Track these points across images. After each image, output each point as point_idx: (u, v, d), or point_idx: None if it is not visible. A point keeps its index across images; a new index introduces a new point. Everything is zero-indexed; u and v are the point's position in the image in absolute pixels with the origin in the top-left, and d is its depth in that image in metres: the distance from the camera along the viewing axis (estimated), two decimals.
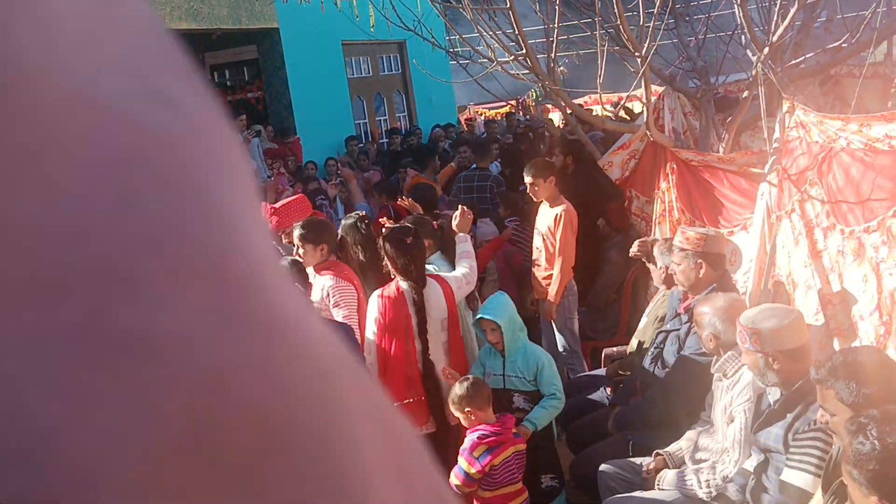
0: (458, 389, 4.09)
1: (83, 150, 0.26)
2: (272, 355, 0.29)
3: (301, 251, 4.80)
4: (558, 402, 4.41)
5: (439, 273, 4.74)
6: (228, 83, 14.95)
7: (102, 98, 0.27)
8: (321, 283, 4.79)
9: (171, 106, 0.30)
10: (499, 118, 16.79)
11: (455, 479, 4.08)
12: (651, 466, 4.04)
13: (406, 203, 6.26)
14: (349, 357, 0.36)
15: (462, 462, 4.07)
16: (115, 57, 0.29)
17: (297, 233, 4.85)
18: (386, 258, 4.53)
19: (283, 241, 5.26)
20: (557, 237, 5.98)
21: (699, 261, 4.31)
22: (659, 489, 3.91)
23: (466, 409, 4.08)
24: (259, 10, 12.27)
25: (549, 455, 4.57)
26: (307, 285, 4.12)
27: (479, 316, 4.43)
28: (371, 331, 4.48)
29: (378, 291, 4.53)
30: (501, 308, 4.39)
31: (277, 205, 5.24)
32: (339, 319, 4.68)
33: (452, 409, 4.18)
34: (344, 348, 0.36)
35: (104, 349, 0.25)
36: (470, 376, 4.25)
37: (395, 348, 4.44)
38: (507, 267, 7.10)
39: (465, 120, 17.20)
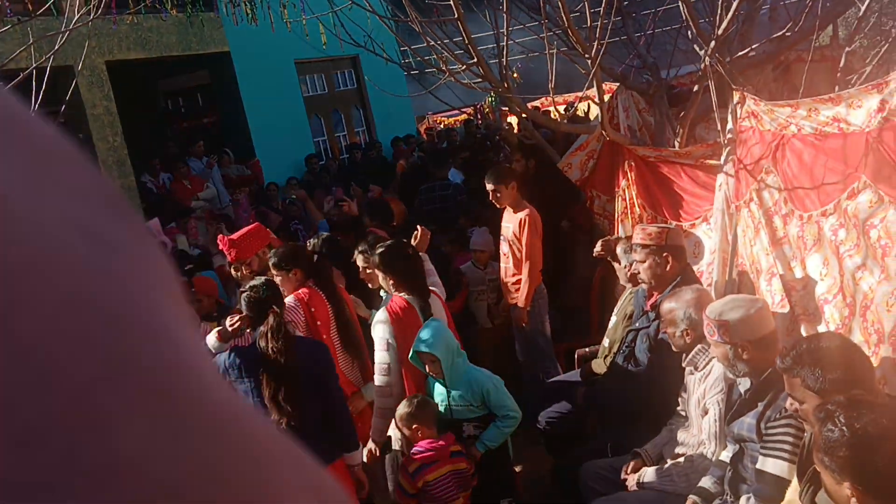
0: (405, 407, 4.15)
1: (39, 301, 0.30)
2: (219, 457, 0.33)
3: (278, 280, 4.78)
4: (512, 420, 4.32)
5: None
6: (183, 110, 14.84)
7: (50, 248, 0.31)
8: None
9: (110, 245, 0.34)
10: (458, 126, 16.82)
11: (394, 494, 4.24)
12: (630, 468, 4.05)
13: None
14: (284, 439, 0.41)
15: (399, 476, 4.20)
16: (56, 211, 0.33)
17: (271, 261, 4.87)
18: (385, 275, 4.52)
19: (244, 271, 5.16)
20: (523, 242, 5.99)
21: (665, 254, 4.33)
22: (640, 487, 3.92)
23: (413, 427, 4.13)
24: (208, 34, 12.19)
25: (506, 477, 4.55)
26: (282, 304, 4.10)
27: (415, 349, 4.26)
28: (385, 352, 4.37)
29: (382, 315, 4.45)
30: (436, 338, 4.24)
31: (234, 236, 5.16)
32: None
33: (399, 424, 4.20)
34: (278, 434, 0.41)
35: (76, 478, 0.28)
36: (418, 395, 4.28)
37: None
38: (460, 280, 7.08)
39: (425, 129, 17.21)
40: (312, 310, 4.76)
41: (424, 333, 4.24)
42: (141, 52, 11.17)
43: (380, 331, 4.42)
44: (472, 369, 4.40)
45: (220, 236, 5.29)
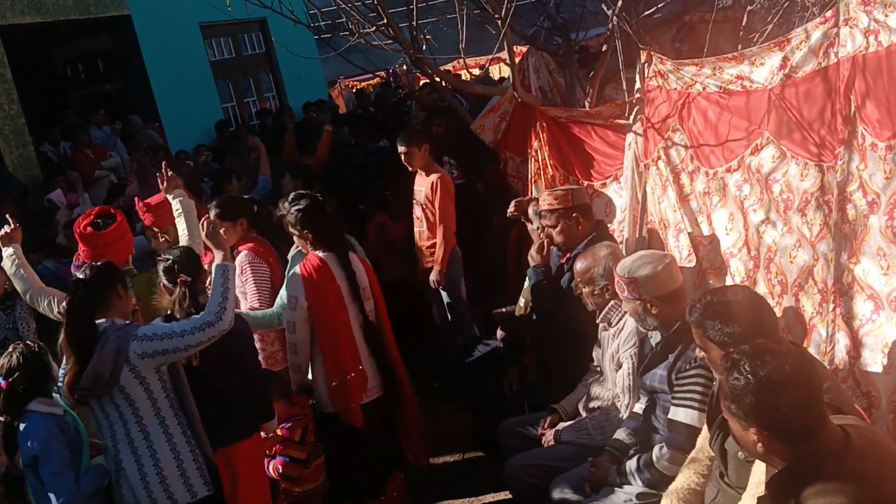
0: None
1: None
2: None
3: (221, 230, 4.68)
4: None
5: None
6: (83, 76, 14.27)
7: None
8: (237, 260, 4.82)
9: None
10: (370, 90, 16.63)
11: (284, 471, 4.33)
12: (546, 423, 4.12)
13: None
14: None
15: (284, 456, 4.32)
16: None
17: (212, 213, 4.87)
18: (303, 230, 4.43)
19: (160, 238, 5.05)
20: (436, 205, 5.99)
21: (574, 215, 4.39)
22: (557, 442, 4.00)
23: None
24: None
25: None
26: (201, 271, 3.98)
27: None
28: (292, 309, 4.33)
29: (295, 270, 4.41)
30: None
31: (151, 201, 5.01)
32: (250, 293, 4.81)
33: None
34: None
35: None
36: None
37: (332, 323, 4.35)
38: (382, 241, 7.08)
39: (337, 94, 16.97)
40: (270, 259, 4.88)
41: None
42: (36, 16, 10.66)
43: (291, 289, 4.37)
44: None
45: (136, 199, 5.12)
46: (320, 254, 4.43)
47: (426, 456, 5.05)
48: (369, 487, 4.52)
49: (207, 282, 3.97)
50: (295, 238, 4.58)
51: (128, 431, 3.41)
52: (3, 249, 4.59)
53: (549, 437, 4.02)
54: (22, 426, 3.42)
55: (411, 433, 4.83)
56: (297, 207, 4.46)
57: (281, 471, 4.30)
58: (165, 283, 3.98)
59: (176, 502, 3.44)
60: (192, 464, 3.50)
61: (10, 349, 3.53)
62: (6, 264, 4.58)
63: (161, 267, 3.98)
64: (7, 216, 4.83)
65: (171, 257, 3.95)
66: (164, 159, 10.91)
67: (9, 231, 4.60)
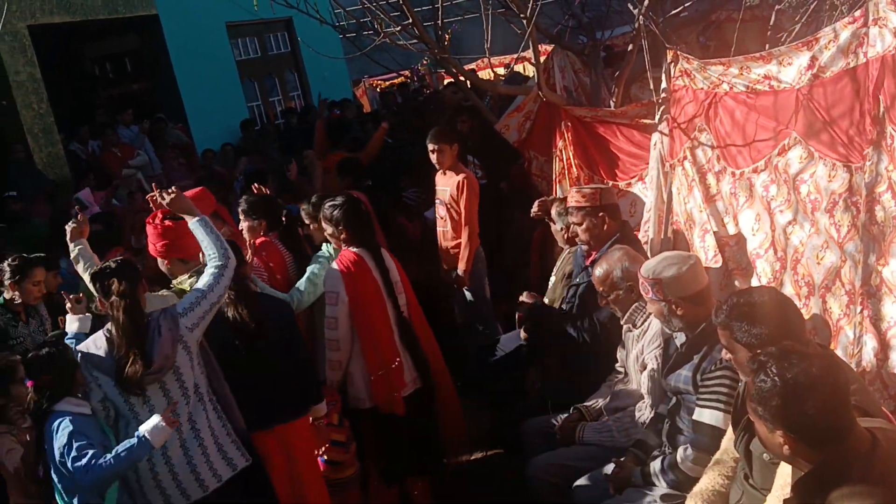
0: None
1: None
2: None
3: (244, 226, 5.06)
4: None
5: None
6: (111, 75, 14.41)
7: None
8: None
9: None
10: (395, 89, 16.64)
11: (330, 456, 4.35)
12: (566, 421, 4.11)
13: None
14: None
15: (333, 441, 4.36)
16: None
17: (241, 207, 5.13)
18: (338, 227, 4.50)
19: None
20: (462, 206, 5.98)
21: (601, 214, 4.38)
22: (581, 442, 3.99)
23: None
24: None
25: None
26: (245, 261, 4.11)
27: None
28: (333, 304, 4.39)
29: (332, 267, 4.48)
30: None
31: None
32: None
33: None
34: None
35: None
36: None
37: (372, 314, 4.42)
38: (400, 242, 7.06)
39: (362, 94, 16.99)
40: (263, 253, 4.97)
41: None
42: (65, 16, 10.77)
43: (329, 285, 4.42)
44: None
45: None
46: (354, 249, 4.49)
47: (464, 450, 5.15)
48: (398, 473, 4.62)
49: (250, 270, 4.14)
50: (328, 234, 4.64)
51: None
52: (70, 245, 4.61)
53: (570, 437, 4.02)
54: (50, 425, 3.45)
55: (452, 426, 4.94)
56: (332, 204, 4.54)
57: (326, 457, 4.34)
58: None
59: (220, 478, 3.49)
60: (227, 437, 3.56)
61: (38, 350, 3.57)
62: (74, 260, 4.62)
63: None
64: (77, 211, 4.88)
65: None
66: (189, 158, 11.06)
67: (76, 226, 4.57)
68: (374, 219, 4.99)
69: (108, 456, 3.30)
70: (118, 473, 3.34)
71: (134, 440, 3.30)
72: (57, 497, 3.53)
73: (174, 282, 4.23)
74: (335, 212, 4.50)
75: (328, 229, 4.57)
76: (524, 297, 4.86)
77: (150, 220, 4.39)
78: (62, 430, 3.38)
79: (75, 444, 3.31)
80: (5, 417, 3.77)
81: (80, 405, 3.51)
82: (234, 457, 3.55)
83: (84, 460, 3.28)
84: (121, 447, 3.31)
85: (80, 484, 3.32)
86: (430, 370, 4.66)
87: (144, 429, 3.30)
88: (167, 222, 4.35)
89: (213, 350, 3.78)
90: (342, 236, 4.51)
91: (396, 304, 4.52)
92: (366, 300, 4.39)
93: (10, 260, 5.11)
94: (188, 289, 3.98)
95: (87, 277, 4.42)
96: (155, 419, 3.31)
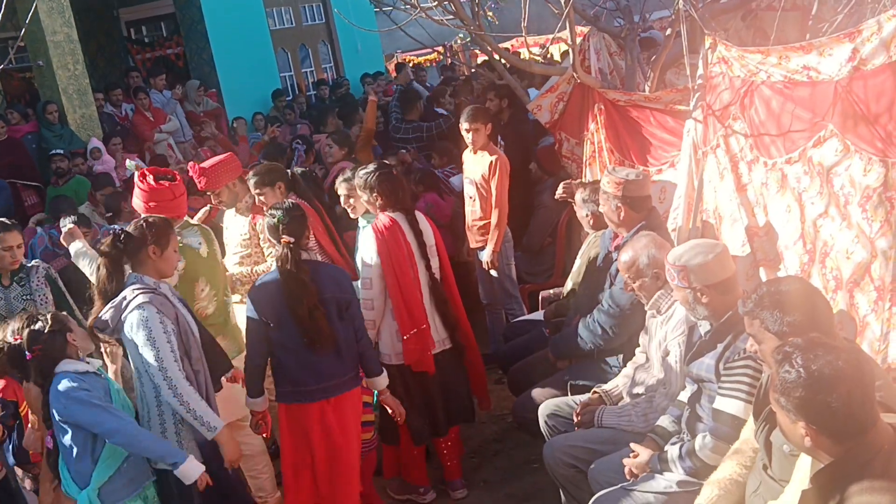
0: None
1: None
2: None
3: (261, 198, 5.04)
4: None
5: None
6: (146, 39, 14.47)
7: None
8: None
9: None
10: (427, 65, 16.60)
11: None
12: (587, 402, 4.13)
13: None
14: None
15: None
16: None
17: (252, 181, 5.07)
18: (372, 193, 4.63)
19: (214, 200, 5.15)
20: (493, 186, 5.97)
21: (618, 204, 4.34)
22: (600, 426, 4.00)
23: None
24: None
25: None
26: (305, 229, 4.14)
27: None
28: (368, 265, 4.57)
29: (367, 229, 4.63)
30: None
31: (206, 164, 5.09)
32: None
33: None
34: None
35: None
36: None
37: (403, 276, 4.57)
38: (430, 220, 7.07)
39: (395, 66, 16.97)
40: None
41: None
42: None
43: (364, 249, 4.60)
44: None
45: (191, 163, 5.23)
46: (389, 213, 4.62)
47: (489, 402, 5.29)
48: (427, 433, 4.78)
49: (311, 241, 4.22)
50: (364, 202, 4.76)
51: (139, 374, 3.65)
52: (71, 246, 4.74)
53: (589, 419, 4.04)
54: (54, 387, 3.51)
55: (478, 380, 5.08)
56: (364, 171, 4.68)
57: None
58: (269, 237, 4.20)
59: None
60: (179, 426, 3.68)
61: (28, 319, 3.61)
62: (75, 259, 4.74)
63: (266, 223, 4.17)
64: (69, 218, 4.95)
65: (277, 216, 4.07)
66: (221, 127, 11.10)
67: (68, 233, 4.77)
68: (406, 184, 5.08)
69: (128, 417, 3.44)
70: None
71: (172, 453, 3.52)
72: (61, 470, 3.61)
73: None
74: (369, 178, 4.63)
75: (364, 196, 4.71)
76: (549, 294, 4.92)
77: (142, 179, 4.52)
78: (62, 382, 3.49)
79: (75, 384, 3.46)
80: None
81: (80, 364, 3.58)
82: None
83: (87, 399, 3.44)
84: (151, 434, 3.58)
85: (76, 418, 3.44)
86: (459, 331, 4.82)
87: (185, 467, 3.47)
88: (161, 182, 4.50)
89: (272, 320, 3.93)
90: (378, 202, 4.64)
91: (429, 266, 4.69)
92: (398, 262, 4.55)
93: None
94: None
95: (88, 270, 4.57)
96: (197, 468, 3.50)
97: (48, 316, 3.64)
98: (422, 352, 4.60)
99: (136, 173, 4.74)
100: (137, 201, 4.61)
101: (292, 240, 3.98)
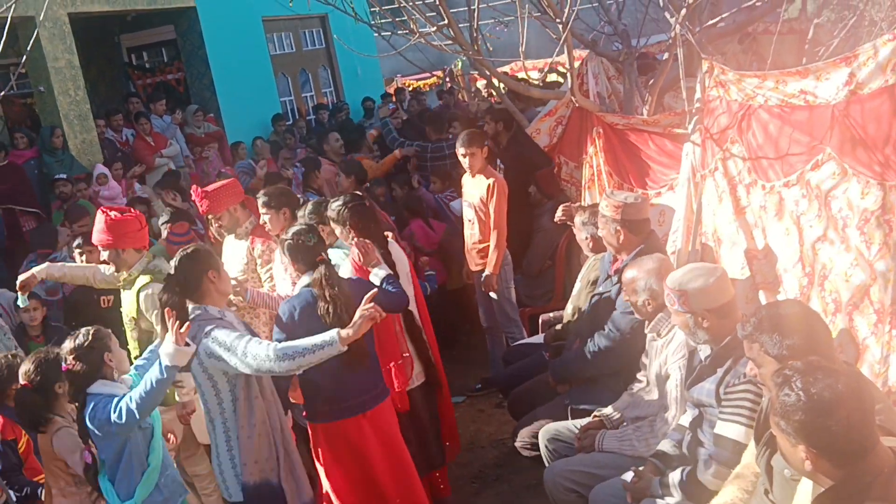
0: None
1: None
2: None
3: (266, 219, 5.04)
4: None
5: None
6: (147, 65, 14.54)
7: None
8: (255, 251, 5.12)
9: None
10: (427, 89, 16.69)
11: None
12: (587, 427, 4.11)
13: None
14: None
15: None
16: None
17: (260, 201, 5.07)
18: (345, 226, 4.56)
19: (214, 224, 5.16)
20: (491, 209, 5.98)
21: (617, 227, 4.35)
22: (600, 450, 3.98)
23: None
24: None
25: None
26: (324, 246, 4.13)
27: None
28: None
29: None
30: None
31: (209, 188, 5.12)
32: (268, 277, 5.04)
33: None
34: None
35: None
36: None
37: None
38: (415, 249, 7.08)
39: (394, 91, 17.05)
40: None
41: None
42: (104, 5, 10.89)
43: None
44: None
45: (193, 187, 5.24)
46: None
47: (459, 442, 5.22)
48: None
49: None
50: (338, 234, 4.68)
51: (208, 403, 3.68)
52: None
53: (590, 443, 4.02)
54: (89, 409, 3.51)
55: (447, 417, 5.03)
56: (338, 203, 4.62)
57: None
58: (297, 260, 4.07)
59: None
60: (231, 471, 3.68)
61: (73, 339, 3.62)
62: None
63: (285, 243, 4.09)
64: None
65: (306, 238, 4.03)
66: (221, 150, 11.15)
67: (24, 280, 4.80)
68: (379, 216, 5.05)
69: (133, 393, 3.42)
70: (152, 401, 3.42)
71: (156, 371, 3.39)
72: (100, 481, 3.61)
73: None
74: (342, 211, 4.57)
75: (337, 229, 4.63)
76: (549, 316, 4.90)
77: (106, 213, 4.54)
78: (95, 409, 3.47)
79: (106, 409, 3.43)
80: (60, 406, 3.87)
81: (113, 386, 3.57)
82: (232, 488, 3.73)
83: (114, 412, 3.40)
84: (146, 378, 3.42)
85: (125, 424, 3.42)
86: (433, 362, 4.77)
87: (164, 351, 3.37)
88: (126, 215, 4.57)
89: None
90: (350, 235, 4.56)
91: None
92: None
93: None
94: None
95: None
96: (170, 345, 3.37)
97: (90, 331, 3.63)
98: (394, 387, 4.49)
99: (98, 210, 4.75)
100: (101, 235, 4.58)
101: (327, 258, 4.01)
